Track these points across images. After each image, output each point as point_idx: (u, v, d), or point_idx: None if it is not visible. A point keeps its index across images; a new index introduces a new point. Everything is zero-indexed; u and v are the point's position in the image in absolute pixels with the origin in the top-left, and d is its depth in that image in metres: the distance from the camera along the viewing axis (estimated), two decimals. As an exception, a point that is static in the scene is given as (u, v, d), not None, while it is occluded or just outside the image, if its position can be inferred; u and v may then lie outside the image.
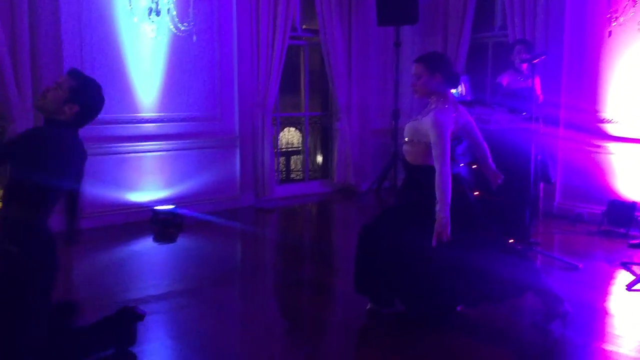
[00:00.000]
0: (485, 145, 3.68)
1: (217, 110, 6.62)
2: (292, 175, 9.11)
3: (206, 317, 3.84)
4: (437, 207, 3.24)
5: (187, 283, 4.53)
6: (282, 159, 8.93)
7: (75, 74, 2.91)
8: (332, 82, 7.63)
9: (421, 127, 3.41)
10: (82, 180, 3.07)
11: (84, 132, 2.91)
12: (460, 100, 6.61)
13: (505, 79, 5.70)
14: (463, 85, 5.91)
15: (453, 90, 3.59)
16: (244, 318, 4.01)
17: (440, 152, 3.28)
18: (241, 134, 6.83)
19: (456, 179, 3.43)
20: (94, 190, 5.67)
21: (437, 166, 3.29)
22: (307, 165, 8.18)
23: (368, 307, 3.73)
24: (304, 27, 7.83)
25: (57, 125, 2.85)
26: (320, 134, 8.59)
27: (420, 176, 3.42)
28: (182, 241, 5.73)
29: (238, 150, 6.82)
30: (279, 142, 8.58)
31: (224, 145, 6.70)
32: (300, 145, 8.88)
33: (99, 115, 2.97)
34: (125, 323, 3.22)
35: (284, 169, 9.11)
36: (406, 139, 3.53)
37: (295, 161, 9.23)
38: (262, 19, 6.79)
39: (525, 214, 4.82)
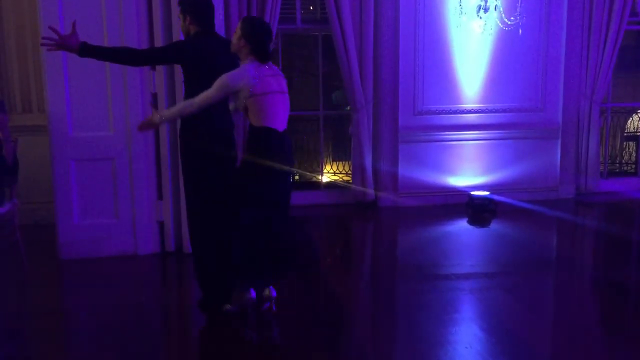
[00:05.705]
0: None
1: (539, 101, 6.64)
2: (624, 168, 8.44)
3: (507, 303, 3.97)
4: None
5: (492, 267, 4.81)
6: (630, 144, 8.30)
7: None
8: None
9: None
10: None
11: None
12: None
13: None
14: None
15: None
16: (555, 315, 3.93)
17: None
18: (564, 126, 6.72)
19: None
20: (418, 172, 6.44)
21: None
22: (638, 158, 7.52)
23: None
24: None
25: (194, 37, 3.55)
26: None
27: None
28: (495, 226, 5.97)
29: (559, 142, 6.73)
30: (627, 128, 8.03)
31: (544, 136, 6.69)
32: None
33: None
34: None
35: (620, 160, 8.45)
36: None
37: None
38: (596, 6, 6.52)
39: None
